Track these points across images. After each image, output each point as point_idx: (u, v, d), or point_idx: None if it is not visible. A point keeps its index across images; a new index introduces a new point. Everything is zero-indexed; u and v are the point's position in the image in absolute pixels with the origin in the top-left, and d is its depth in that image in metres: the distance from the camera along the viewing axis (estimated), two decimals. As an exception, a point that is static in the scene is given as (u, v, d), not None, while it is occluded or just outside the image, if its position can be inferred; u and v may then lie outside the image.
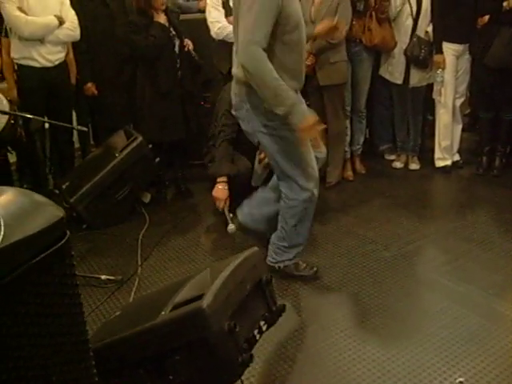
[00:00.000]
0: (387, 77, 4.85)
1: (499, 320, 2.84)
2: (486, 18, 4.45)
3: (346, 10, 4.30)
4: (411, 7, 4.59)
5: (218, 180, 3.78)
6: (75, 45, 4.42)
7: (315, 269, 3.32)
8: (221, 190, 3.76)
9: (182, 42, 4.34)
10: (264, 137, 2.96)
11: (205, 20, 4.48)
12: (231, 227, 3.74)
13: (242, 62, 2.70)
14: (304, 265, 3.32)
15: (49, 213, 1.15)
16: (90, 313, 2.99)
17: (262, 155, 3.93)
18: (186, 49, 4.35)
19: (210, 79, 4.74)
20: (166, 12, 4.26)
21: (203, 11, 4.58)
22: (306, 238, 3.26)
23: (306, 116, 2.83)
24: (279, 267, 3.26)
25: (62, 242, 1.13)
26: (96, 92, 4.56)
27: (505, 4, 4.32)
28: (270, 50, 2.73)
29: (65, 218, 1.17)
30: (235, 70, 2.97)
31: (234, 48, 2.94)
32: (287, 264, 3.27)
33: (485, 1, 4.44)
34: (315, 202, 3.12)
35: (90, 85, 4.54)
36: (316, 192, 3.08)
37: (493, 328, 2.77)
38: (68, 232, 1.17)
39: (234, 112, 3.16)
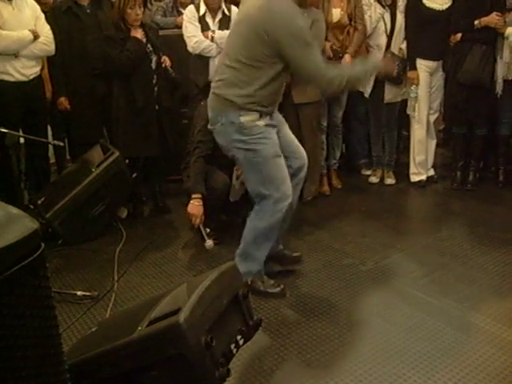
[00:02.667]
0: (360, 89, 4.92)
1: (474, 332, 2.87)
2: (459, 35, 4.56)
3: (320, 30, 4.35)
4: (385, 24, 4.69)
5: (193, 196, 3.77)
6: (50, 59, 4.40)
7: (282, 286, 3.31)
8: (196, 207, 3.74)
9: (159, 58, 4.35)
10: (239, 151, 3.04)
11: (182, 35, 4.50)
12: (209, 243, 3.74)
13: (329, 90, 3.26)
14: (271, 281, 3.31)
15: (23, 225, 1.14)
16: (65, 329, 2.95)
17: (240, 171, 3.94)
18: (163, 65, 4.35)
19: (187, 94, 4.75)
20: (144, 27, 4.28)
21: (181, 27, 4.60)
22: (264, 256, 3.22)
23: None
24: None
25: (37, 254, 1.12)
26: (69, 107, 4.53)
27: (476, 22, 4.44)
28: (260, 75, 2.92)
29: (39, 230, 1.16)
30: (214, 85, 3.06)
31: (217, 62, 3.04)
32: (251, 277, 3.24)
33: (457, 19, 4.54)
34: (281, 218, 3.10)
35: (62, 99, 4.51)
36: (286, 207, 3.07)
37: (468, 340, 2.79)
38: (42, 244, 1.16)
39: (209, 126, 3.20)
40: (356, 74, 3.11)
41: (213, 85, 3.11)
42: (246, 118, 2.96)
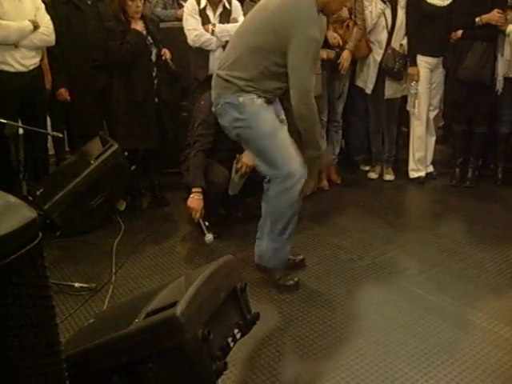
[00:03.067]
0: (361, 85, 4.93)
1: (470, 329, 2.87)
2: (459, 32, 4.56)
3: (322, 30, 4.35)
4: (386, 20, 4.68)
5: (193, 190, 3.76)
6: (49, 50, 4.39)
7: (296, 279, 3.32)
8: (196, 201, 3.73)
9: (159, 50, 4.34)
10: (239, 130, 3.07)
11: (183, 28, 4.49)
12: (209, 237, 3.73)
13: (301, 110, 3.01)
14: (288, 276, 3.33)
15: (21, 214, 1.14)
16: (62, 320, 2.95)
17: (239, 165, 3.93)
18: (163, 58, 4.34)
19: (187, 87, 4.75)
20: (144, 20, 4.26)
21: (181, 20, 4.59)
22: (290, 244, 3.25)
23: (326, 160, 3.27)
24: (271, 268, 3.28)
25: (34, 243, 1.12)
26: (68, 98, 4.52)
27: (477, 20, 4.43)
28: (263, 66, 2.96)
29: (37, 219, 1.15)
30: (219, 66, 3.12)
31: (227, 50, 3.17)
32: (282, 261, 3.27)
33: (458, 16, 4.54)
34: (296, 197, 3.07)
35: (62, 90, 4.50)
36: (300, 177, 3.03)
37: (464, 337, 2.80)
38: (40, 233, 1.16)
39: (213, 109, 3.23)
40: (317, 134, 3.15)
41: (218, 66, 3.18)
42: (244, 99, 3.00)
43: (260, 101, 3.03)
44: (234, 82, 3.00)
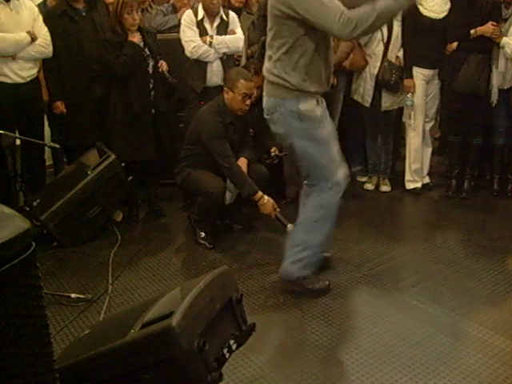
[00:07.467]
0: (357, 98, 4.94)
1: (466, 340, 2.88)
2: (455, 44, 4.58)
3: None
4: (382, 33, 4.70)
5: (257, 197, 3.76)
6: (45, 63, 4.39)
7: (327, 282, 3.39)
8: (267, 205, 3.77)
9: (156, 62, 4.35)
10: (296, 139, 3.12)
11: (179, 40, 4.51)
12: (290, 227, 3.61)
13: (352, 35, 2.83)
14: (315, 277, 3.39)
15: (14, 224, 1.15)
16: (58, 331, 2.96)
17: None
18: (160, 70, 4.36)
19: (184, 99, 4.76)
20: (141, 32, 4.28)
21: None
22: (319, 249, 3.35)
23: None
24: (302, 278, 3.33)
25: (27, 253, 1.13)
26: (65, 111, 4.51)
27: (472, 32, 4.46)
28: (299, 52, 2.94)
29: (31, 229, 1.16)
30: (269, 75, 3.09)
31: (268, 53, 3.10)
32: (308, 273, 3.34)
33: (453, 28, 4.57)
34: (335, 206, 3.31)
35: (58, 103, 4.47)
36: (343, 185, 3.27)
37: (460, 348, 2.80)
38: (33, 244, 1.17)
39: (266, 116, 3.22)
40: (385, 5, 2.79)
41: (266, 75, 3.15)
42: (304, 107, 3.03)
43: (320, 109, 3.10)
44: (288, 87, 2.99)
